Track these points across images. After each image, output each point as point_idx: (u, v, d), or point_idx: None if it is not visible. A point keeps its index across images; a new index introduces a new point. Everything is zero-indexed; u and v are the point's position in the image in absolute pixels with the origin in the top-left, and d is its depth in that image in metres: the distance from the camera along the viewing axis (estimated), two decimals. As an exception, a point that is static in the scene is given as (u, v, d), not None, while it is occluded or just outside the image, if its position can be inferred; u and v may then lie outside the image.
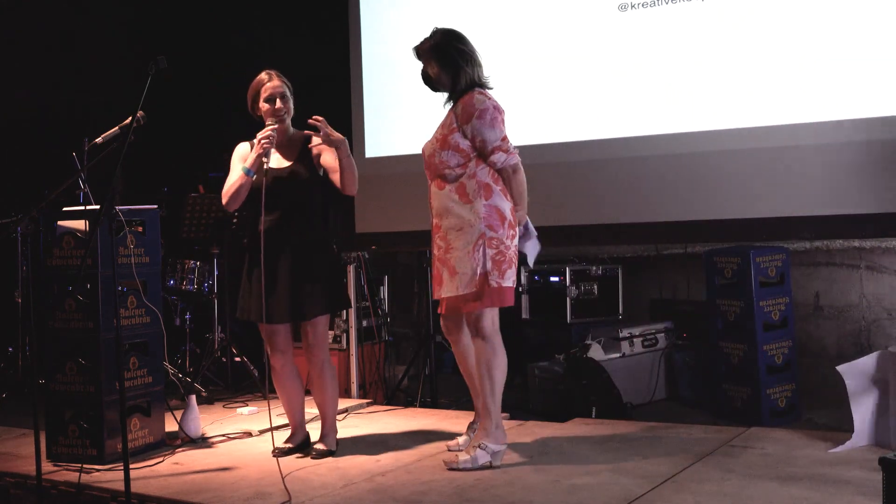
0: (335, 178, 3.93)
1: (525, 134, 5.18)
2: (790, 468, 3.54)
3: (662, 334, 5.51)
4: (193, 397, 4.48)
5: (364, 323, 5.75)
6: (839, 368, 3.84)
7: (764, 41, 4.62)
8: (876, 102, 4.33)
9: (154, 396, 4.24)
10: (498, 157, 3.74)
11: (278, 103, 3.92)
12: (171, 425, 4.39)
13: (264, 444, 4.24)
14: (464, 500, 3.31)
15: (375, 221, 5.86)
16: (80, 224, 4.14)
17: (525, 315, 5.95)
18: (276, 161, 3.96)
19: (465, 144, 3.74)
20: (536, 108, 5.26)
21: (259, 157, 3.85)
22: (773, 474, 3.46)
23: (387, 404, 5.40)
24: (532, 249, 3.89)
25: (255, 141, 3.90)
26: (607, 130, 5.08)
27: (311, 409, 4.22)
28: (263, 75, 3.99)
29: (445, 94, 3.88)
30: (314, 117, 3.77)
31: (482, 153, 3.75)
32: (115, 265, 3.69)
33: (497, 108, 3.76)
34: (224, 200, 3.97)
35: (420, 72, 3.90)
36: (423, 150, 3.92)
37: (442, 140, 3.79)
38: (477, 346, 3.79)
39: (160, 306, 4.32)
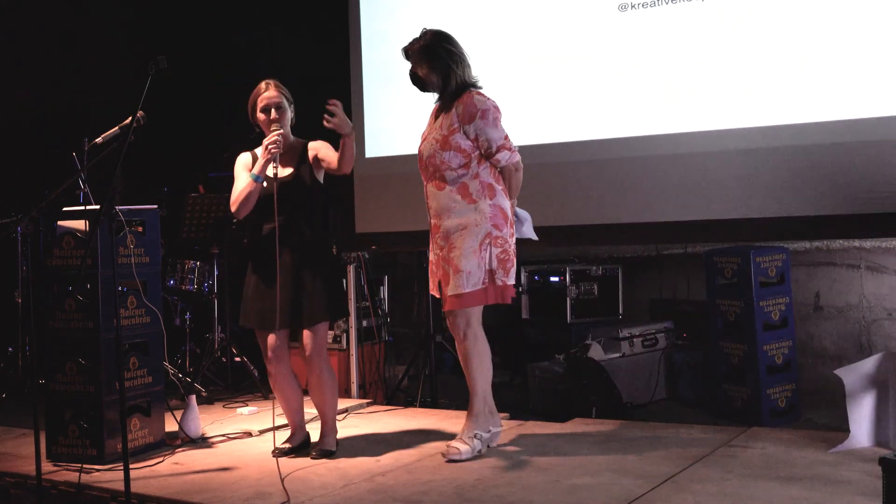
0: (332, 166, 3.94)
1: (525, 134, 5.18)
2: (790, 468, 3.54)
3: (662, 334, 5.51)
4: (193, 397, 4.48)
5: (364, 323, 5.75)
6: (837, 372, 3.84)
7: (764, 41, 4.61)
8: (876, 102, 4.33)
9: (154, 396, 4.24)
10: (502, 156, 3.84)
11: (273, 114, 3.96)
12: (171, 425, 4.39)
13: (264, 444, 4.24)
14: (464, 500, 3.31)
15: (375, 221, 5.86)
16: (80, 224, 4.14)
17: (525, 315, 5.96)
18: (279, 168, 3.99)
19: (466, 145, 3.80)
20: (536, 108, 5.26)
21: (267, 162, 3.89)
22: (773, 474, 3.46)
23: (387, 404, 5.40)
24: (529, 228, 4.03)
25: (263, 147, 3.93)
26: (607, 130, 5.08)
27: (310, 410, 4.22)
28: (262, 85, 4.02)
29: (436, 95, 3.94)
30: (331, 101, 3.76)
31: (487, 152, 3.83)
32: (115, 265, 3.69)
33: (496, 108, 3.85)
34: (234, 208, 4.00)
35: (408, 72, 3.95)
36: (420, 151, 3.94)
37: (443, 141, 3.82)
38: (469, 339, 3.87)
39: (160, 306, 4.32)
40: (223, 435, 4.51)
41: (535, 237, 4.07)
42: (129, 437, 3.91)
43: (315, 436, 4.15)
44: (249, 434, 4.53)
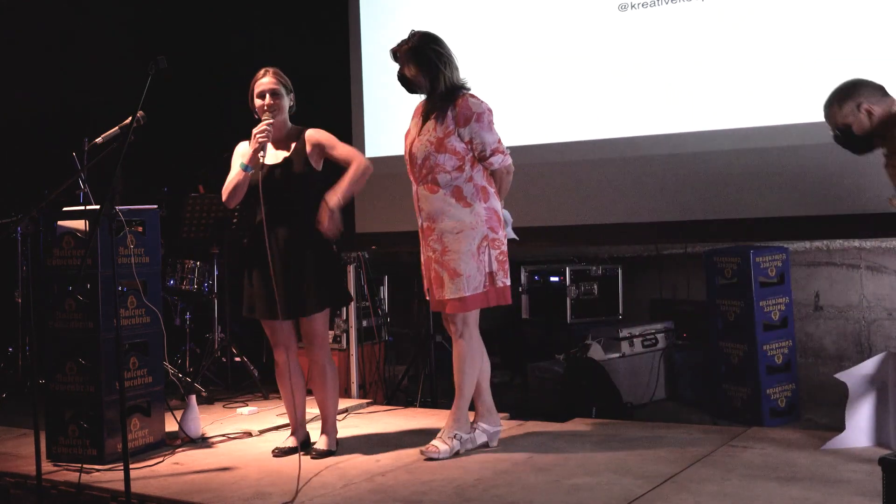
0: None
1: (525, 134, 5.19)
2: (790, 468, 3.54)
3: (662, 334, 5.50)
4: (193, 397, 4.48)
5: (364, 323, 5.75)
6: (838, 376, 3.84)
7: (764, 41, 4.62)
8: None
9: (154, 396, 4.24)
10: (496, 159, 3.89)
11: (267, 99, 3.96)
12: (171, 425, 4.39)
13: (264, 444, 4.25)
14: (464, 500, 3.31)
15: (375, 221, 5.87)
16: (80, 224, 4.14)
17: (525, 315, 5.96)
18: (272, 156, 4.01)
19: (460, 147, 3.85)
20: (536, 108, 5.26)
21: (255, 151, 3.89)
22: (773, 474, 3.46)
23: (387, 404, 5.40)
24: (510, 229, 4.08)
25: (252, 136, 3.93)
26: (607, 130, 5.08)
27: (311, 409, 4.22)
28: (260, 71, 4.05)
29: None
30: (322, 215, 3.87)
31: (480, 155, 3.87)
32: (115, 265, 3.69)
33: (490, 111, 3.89)
34: (224, 197, 4.01)
35: (396, 74, 3.96)
36: (412, 153, 3.95)
37: (438, 143, 3.83)
38: (465, 340, 3.91)
39: (160, 306, 4.32)
40: (223, 435, 4.51)
41: (516, 238, 4.12)
42: (129, 437, 3.91)
43: (315, 435, 4.15)
44: (249, 434, 4.53)
